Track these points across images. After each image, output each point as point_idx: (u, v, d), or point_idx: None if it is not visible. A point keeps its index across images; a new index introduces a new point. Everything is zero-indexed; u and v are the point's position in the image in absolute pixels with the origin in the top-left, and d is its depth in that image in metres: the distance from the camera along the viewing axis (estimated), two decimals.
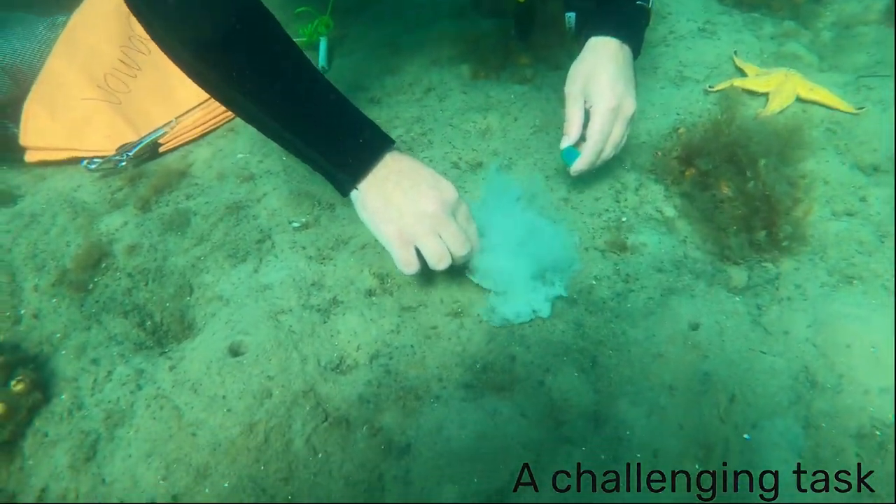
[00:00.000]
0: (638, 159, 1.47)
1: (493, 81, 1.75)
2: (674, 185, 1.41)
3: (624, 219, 1.35)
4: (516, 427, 1.01)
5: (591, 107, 1.24)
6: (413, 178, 1.06)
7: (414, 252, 1.07)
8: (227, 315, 1.21)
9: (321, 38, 1.92)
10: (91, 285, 1.30)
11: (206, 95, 1.68)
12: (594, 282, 1.23)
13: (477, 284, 1.19)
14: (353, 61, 1.89)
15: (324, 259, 1.31)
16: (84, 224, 1.42)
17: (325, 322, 1.17)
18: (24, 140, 1.55)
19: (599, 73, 1.22)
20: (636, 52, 1.33)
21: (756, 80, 1.62)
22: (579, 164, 1.26)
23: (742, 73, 1.69)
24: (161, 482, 0.97)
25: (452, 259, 1.08)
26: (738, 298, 1.17)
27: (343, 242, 1.35)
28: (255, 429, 1.01)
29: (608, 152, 1.27)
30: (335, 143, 1.07)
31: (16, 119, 1.58)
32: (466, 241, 1.08)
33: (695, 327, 1.13)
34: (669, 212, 1.36)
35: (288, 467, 0.99)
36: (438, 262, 1.06)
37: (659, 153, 1.46)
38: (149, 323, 1.25)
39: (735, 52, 1.75)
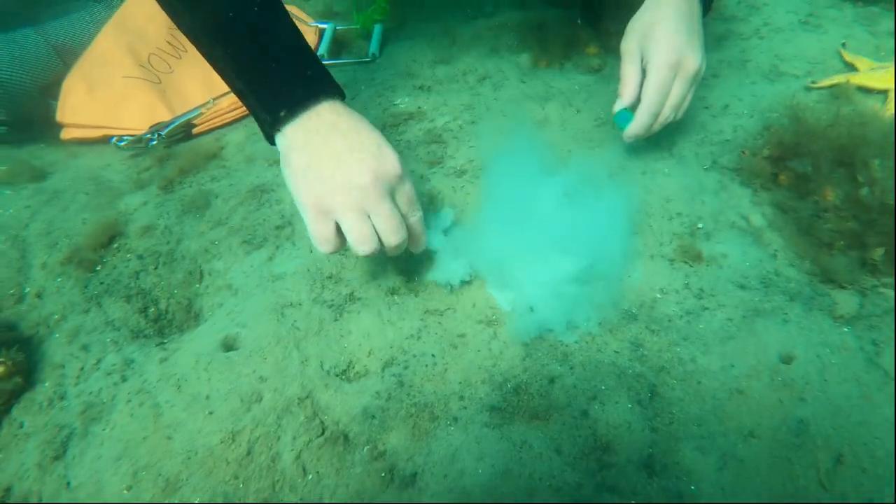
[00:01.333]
0: (720, 158, 1.25)
1: (555, 71, 1.57)
2: (763, 189, 1.17)
3: (700, 225, 1.12)
4: (548, 466, 0.81)
5: (647, 64, 1.09)
6: (350, 139, 0.87)
7: (333, 227, 0.88)
8: (231, 305, 1.08)
9: (375, 25, 1.81)
10: (99, 266, 1.20)
11: None
12: (659, 295, 1.01)
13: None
14: (406, 48, 1.76)
15: (346, 250, 1.16)
16: (104, 203, 1.34)
17: (336, 320, 1.02)
18: (60, 117, 1.50)
19: (658, 25, 1.07)
20: (706, 9, 1.17)
21: (872, 74, 1.35)
22: (633, 129, 1.11)
23: (852, 69, 1.43)
24: (125, 492, 0.83)
25: (383, 246, 0.90)
26: (846, 329, 0.93)
27: None
28: (238, 438, 0.86)
29: (667, 115, 1.11)
30: (267, 73, 0.89)
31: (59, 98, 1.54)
32: (399, 228, 0.88)
33: (787, 360, 0.89)
34: (757, 220, 1.12)
35: (271, 487, 0.83)
36: (360, 245, 0.87)
37: (746, 152, 1.23)
38: (152, 310, 1.13)
39: (843, 44, 1.49)
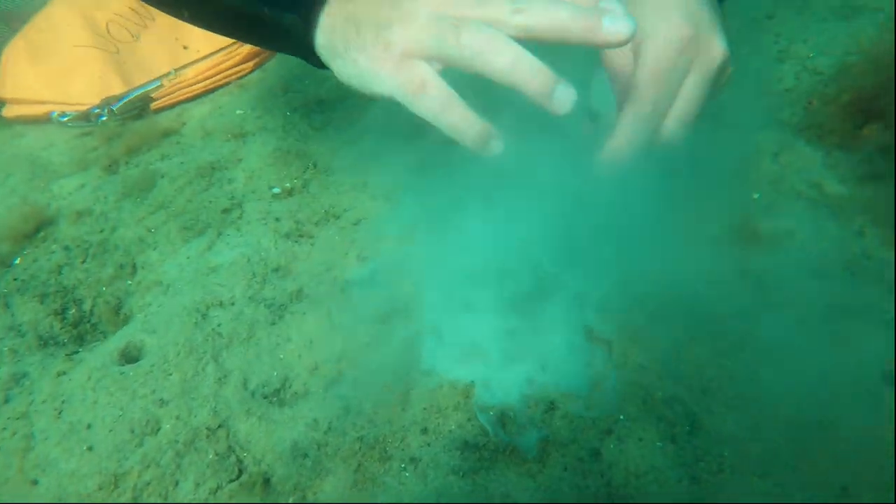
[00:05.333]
0: (779, 113, 0.97)
1: None
2: (840, 148, 0.89)
3: (756, 195, 0.85)
4: None
5: (644, 41, 0.63)
6: None
7: (423, 67, 0.57)
8: (157, 306, 0.86)
9: None
10: (19, 259, 1.01)
11: (219, 45, 1.43)
12: (701, 287, 0.75)
13: None
14: None
15: (300, 236, 0.93)
16: (37, 187, 1.15)
17: (273, 323, 0.79)
18: (1, 92, 1.32)
19: None
20: None
21: None
22: (612, 146, 0.64)
23: None
24: None
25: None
26: None
27: (333, 216, 0.97)
28: (122, 483, 0.64)
29: (673, 127, 0.66)
30: None
31: None
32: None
33: (892, 380, 0.62)
34: (833, 187, 0.85)
35: None
36: (500, 55, 0.53)
37: (814, 101, 0.95)
38: (72, 311, 0.92)
39: None
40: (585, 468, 0.61)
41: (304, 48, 0.67)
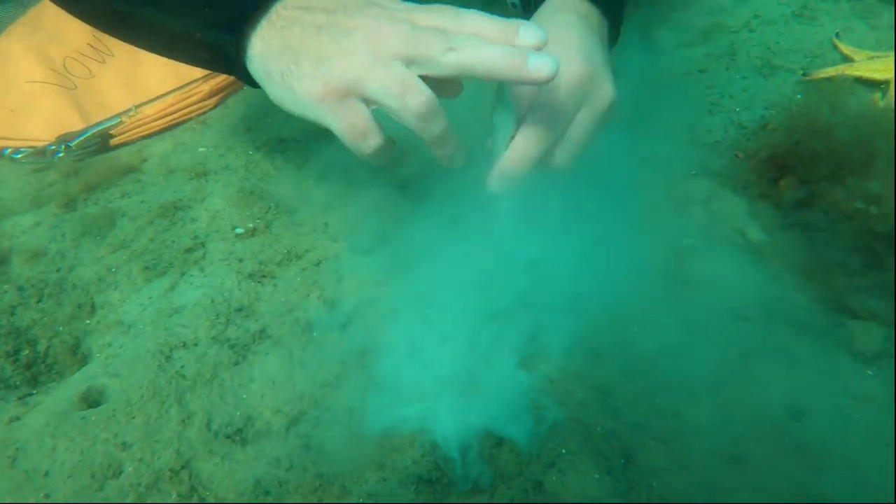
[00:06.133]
0: (710, 163, 1.06)
1: None
2: (762, 198, 0.99)
3: (687, 241, 0.93)
4: None
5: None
6: (328, 5, 0.66)
7: (362, 109, 0.65)
8: (117, 347, 0.88)
9: None
10: None
11: (180, 83, 1.45)
12: (636, 329, 0.82)
13: None
14: None
15: (263, 277, 0.97)
16: None
17: (236, 364, 0.82)
18: None
19: (564, 32, 0.75)
20: (613, 36, 0.90)
21: (870, 64, 1.18)
22: (506, 161, 0.72)
23: (849, 61, 1.26)
24: None
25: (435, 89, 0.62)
26: (870, 372, 0.73)
27: (295, 256, 1.00)
28: None
29: (562, 151, 0.75)
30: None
31: None
32: (440, 35, 0.61)
33: (798, 415, 0.70)
34: (755, 235, 0.94)
35: None
36: (414, 100, 0.61)
37: (740, 154, 1.05)
38: (26, 352, 0.93)
39: (837, 34, 1.32)
40: (530, 498, 0.67)
41: (236, 69, 0.73)
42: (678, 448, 0.69)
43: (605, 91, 0.75)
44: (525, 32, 0.61)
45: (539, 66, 0.59)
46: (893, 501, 0.62)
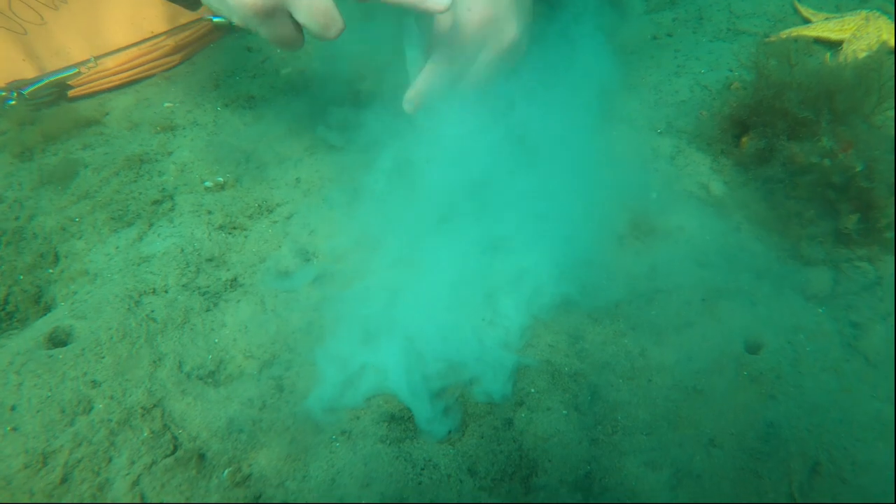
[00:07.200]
0: (676, 121, 1.09)
1: None
2: (724, 154, 1.02)
3: (654, 194, 0.96)
4: (456, 492, 0.63)
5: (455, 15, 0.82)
6: None
7: (290, 24, 0.75)
8: (84, 294, 0.87)
9: None
10: None
11: (141, 36, 1.40)
12: (606, 275, 0.84)
13: None
14: None
15: (234, 228, 0.96)
16: None
17: (208, 310, 0.82)
18: None
19: None
20: None
21: (826, 25, 1.22)
22: (410, 93, 0.85)
23: (807, 22, 1.30)
24: None
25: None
26: (821, 310, 0.77)
27: (266, 210, 1.00)
28: (51, 461, 0.65)
29: (466, 83, 0.87)
30: None
31: None
32: None
33: (755, 349, 0.73)
34: (718, 188, 0.97)
35: None
36: (326, 27, 0.72)
37: (705, 113, 1.07)
38: None
39: None
40: (499, 435, 0.69)
41: None
42: (643, 384, 0.72)
43: (509, 31, 0.83)
44: None
45: (436, 1, 0.70)
46: (893, 502, 0.65)
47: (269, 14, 0.73)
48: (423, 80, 0.83)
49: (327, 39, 0.74)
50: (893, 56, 1.03)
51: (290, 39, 0.77)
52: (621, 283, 0.84)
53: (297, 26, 0.76)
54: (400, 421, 0.70)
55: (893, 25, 1.16)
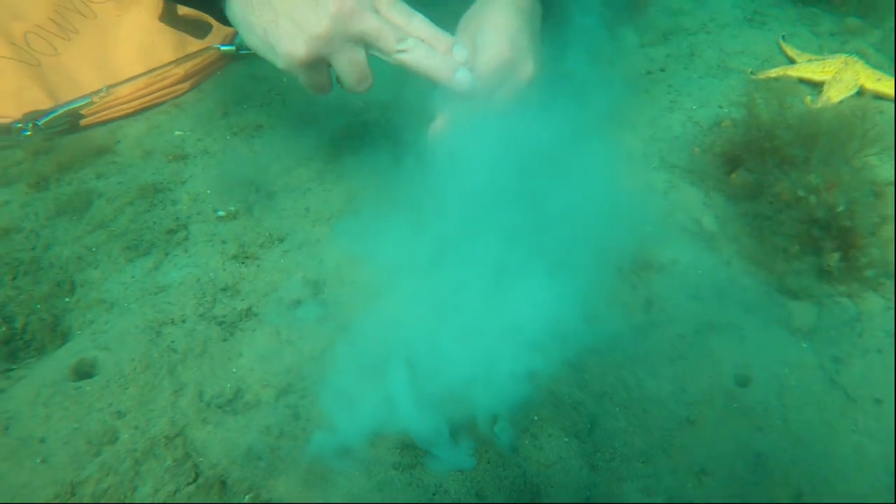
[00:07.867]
0: (669, 156, 1.14)
1: None
2: (716, 189, 1.07)
3: (649, 229, 1.01)
4: None
5: (476, 59, 0.87)
6: None
7: (326, 73, 0.85)
8: (101, 323, 0.90)
9: None
10: None
11: (151, 65, 1.45)
12: (605, 309, 0.89)
13: None
14: None
15: (247, 258, 1.00)
16: None
17: (225, 340, 0.85)
18: None
19: (492, 18, 0.88)
20: (546, 8, 1.01)
21: (810, 66, 1.29)
22: (433, 126, 0.91)
23: (792, 62, 1.37)
24: None
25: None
26: (805, 345, 0.82)
27: (277, 239, 1.04)
28: (79, 490, 0.69)
29: (485, 115, 0.93)
30: None
31: None
32: (396, 33, 0.80)
33: (744, 382, 0.78)
34: (710, 223, 1.02)
35: None
36: (361, 84, 0.84)
37: (697, 149, 1.13)
38: (3, 329, 0.93)
39: (783, 37, 1.43)
40: (505, 461, 0.73)
41: (213, 9, 0.88)
42: (639, 413, 0.76)
43: (526, 69, 0.90)
44: (458, 51, 0.83)
45: (461, 80, 0.82)
46: (894, 502, 0.68)
47: (312, 66, 0.81)
48: (447, 114, 0.90)
49: (357, 93, 0.84)
50: (879, 103, 1.09)
51: (324, 86, 0.86)
52: (619, 315, 0.88)
53: (330, 75, 0.85)
54: (412, 448, 0.74)
55: (869, 71, 1.22)
